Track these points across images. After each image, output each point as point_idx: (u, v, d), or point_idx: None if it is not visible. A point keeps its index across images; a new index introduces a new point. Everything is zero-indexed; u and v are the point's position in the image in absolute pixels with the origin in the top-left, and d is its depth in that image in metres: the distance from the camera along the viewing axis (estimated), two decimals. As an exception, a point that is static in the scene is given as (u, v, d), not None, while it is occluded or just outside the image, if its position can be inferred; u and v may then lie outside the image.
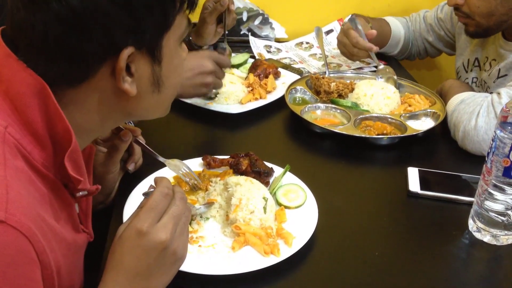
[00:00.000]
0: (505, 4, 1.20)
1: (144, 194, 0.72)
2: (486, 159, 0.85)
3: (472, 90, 1.33)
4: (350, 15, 1.50)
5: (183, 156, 1.03)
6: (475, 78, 1.41)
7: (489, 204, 0.85)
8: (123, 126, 0.88)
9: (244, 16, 1.74)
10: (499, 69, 1.30)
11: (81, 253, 0.72)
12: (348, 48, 1.47)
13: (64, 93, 0.62)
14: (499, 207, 0.84)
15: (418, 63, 1.85)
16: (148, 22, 0.61)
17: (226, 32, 1.43)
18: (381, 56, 1.65)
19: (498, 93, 1.12)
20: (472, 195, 0.92)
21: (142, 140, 0.94)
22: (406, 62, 1.74)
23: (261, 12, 1.76)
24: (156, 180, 0.69)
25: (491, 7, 1.21)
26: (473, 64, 1.42)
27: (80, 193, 0.67)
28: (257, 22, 1.75)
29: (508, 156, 0.80)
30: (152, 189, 0.68)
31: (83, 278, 0.74)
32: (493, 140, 0.83)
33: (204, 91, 1.18)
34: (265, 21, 1.77)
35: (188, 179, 0.95)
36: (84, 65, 0.60)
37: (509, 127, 0.81)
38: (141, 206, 0.66)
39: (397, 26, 1.61)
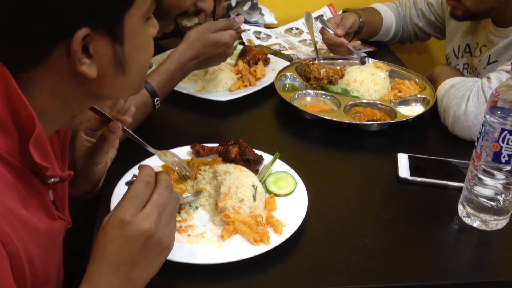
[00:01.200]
0: None
1: (126, 183, 0.71)
2: (476, 144, 0.85)
3: (462, 75, 1.32)
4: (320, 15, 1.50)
5: (172, 145, 1.02)
6: (466, 64, 1.40)
7: (478, 189, 0.85)
8: (113, 116, 0.85)
9: (233, 2, 1.71)
10: (489, 55, 1.29)
11: (58, 240, 0.70)
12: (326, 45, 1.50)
13: (21, 76, 0.59)
14: (488, 192, 0.84)
15: (408, 47, 1.83)
16: (105, 0, 0.58)
17: (216, 20, 1.40)
18: (372, 43, 1.64)
19: (488, 78, 1.11)
20: (462, 181, 0.92)
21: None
22: (396, 47, 1.72)
23: (250, -3, 1.74)
24: (139, 168, 0.68)
25: None
26: (464, 50, 1.41)
27: (52, 179, 0.65)
28: (246, 7, 1.73)
29: (497, 141, 0.80)
30: (135, 178, 0.67)
31: (62, 267, 0.73)
32: (482, 125, 0.82)
33: (223, 60, 1.18)
34: (254, 7, 1.74)
35: (177, 168, 0.94)
36: (35, 48, 0.57)
37: (499, 112, 0.80)
38: (124, 196, 0.65)
39: (388, 14, 1.59)
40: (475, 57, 1.36)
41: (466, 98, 1.11)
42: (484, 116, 0.82)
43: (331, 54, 1.58)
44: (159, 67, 1.09)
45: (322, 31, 1.48)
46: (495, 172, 0.82)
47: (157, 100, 1.06)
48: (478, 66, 1.33)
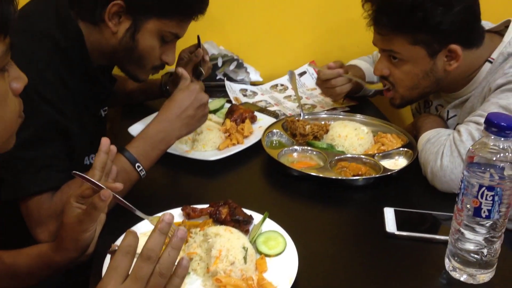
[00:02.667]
0: (427, 78, 1.26)
1: (109, 252, 0.70)
2: (457, 199, 0.88)
3: (444, 123, 1.37)
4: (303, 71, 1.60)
5: (163, 207, 1.04)
6: None
7: (462, 243, 0.87)
8: (104, 184, 0.87)
9: (219, 62, 1.78)
10: (448, 111, 1.36)
11: None
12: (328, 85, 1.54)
13: None
14: (472, 246, 0.86)
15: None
16: None
17: (202, 80, 1.46)
18: (353, 98, 1.70)
19: (458, 131, 1.17)
20: (447, 234, 0.94)
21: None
22: (377, 99, 1.78)
23: (235, 57, 1.81)
24: (124, 235, 0.66)
25: (414, 81, 1.28)
26: (424, 106, 1.48)
27: None
28: (232, 67, 1.80)
29: (476, 197, 0.83)
30: (117, 247, 0.66)
31: None
32: (461, 181, 0.86)
33: (205, 120, 1.21)
34: (240, 66, 1.81)
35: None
36: None
37: (476, 167, 0.84)
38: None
39: (370, 71, 1.66)
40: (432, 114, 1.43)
41: (440, 154, 1.16)
42: (462, 173, 0.85)
43: (315, 109, 1.64)
44: (138, 134, 1.12)
45: (318, 73, 1.55)
46: (476, 227, 0.84)
47: (138, 166, 1.07)
48: None
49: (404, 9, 1.19)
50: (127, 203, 0.92)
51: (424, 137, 1.25)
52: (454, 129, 1.21)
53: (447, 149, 1.15)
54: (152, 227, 0.95)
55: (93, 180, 0.86)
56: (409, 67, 1.27)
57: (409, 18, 1.19)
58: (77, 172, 0.86)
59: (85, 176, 0.86)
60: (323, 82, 1.55)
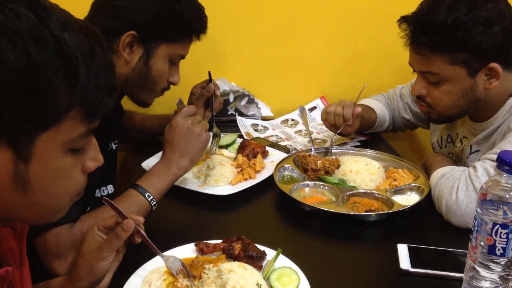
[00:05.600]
0: (466, 97, 1.25)
1: None
2: (471, 236, 0.88)
3: (454, 162, 1.38)
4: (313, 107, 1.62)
5: (176, 242, 1.05)
6: (450, 154, 1.47)
7: (477, 281, 0.86)
8: (127, 215, 0.88)
9: (231, 98, 1.82)
10: (471, 145, 1.36)
11: None
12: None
13: None
14: (487, 284, 0.86)
15: (400, 135, 1.91)
16: (7, 111, 0.56)
17: (214, 114, 1.49)
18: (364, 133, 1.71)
19: (474, 167, 1.17)
20: (462, 271, 0.93)
21: (143, 231, 0.93)
22: (388, 135, 1.80)
23: (246, 93, 1.84)
24: None
25: (453, 100, 1.26)
26: (446, 141, 1.48)
27: None
28: (243, 102, 1.83)
29: (490, 234, 0.83)
30: None
31: None
32: (475, 219, 0.86)
33: (205, 138, 1.21)
34: (251, 101, 1.85)
35: (180, 277, 0.95)
36: None
37: (489, 204, 0.84)
38: None
39: (382, 109, 1.67)
40: (456, 147, 1.43)
41: (455, 188, 1.16)
42: (476, 210, 0.86)
43: (326, 144, 1.65)
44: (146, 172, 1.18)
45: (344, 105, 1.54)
46: (491, 265, 0.84)
47: (149, 196, 1.10)
48: (462, 155, 1.40)
49: (444, 29, 1.18)
50: (150, 242, 0.92)
51: (438, 172, 1.26)
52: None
53: (462, 183, 1.16)
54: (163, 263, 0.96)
55: (119, 208, 0.88)
56: (448, 86, 1.25)
57: (449, 38, 1.18)
58: (107, 199, 0.89)
59: (113, 203, 0.88)
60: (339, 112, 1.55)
